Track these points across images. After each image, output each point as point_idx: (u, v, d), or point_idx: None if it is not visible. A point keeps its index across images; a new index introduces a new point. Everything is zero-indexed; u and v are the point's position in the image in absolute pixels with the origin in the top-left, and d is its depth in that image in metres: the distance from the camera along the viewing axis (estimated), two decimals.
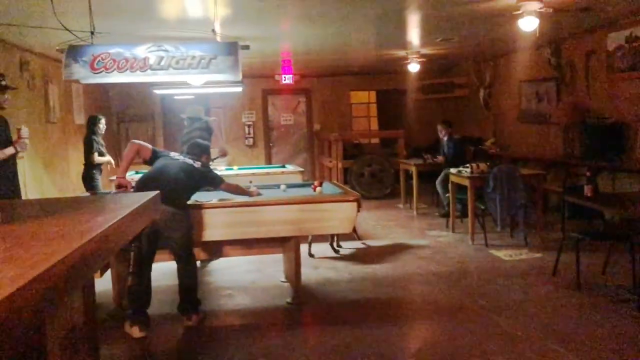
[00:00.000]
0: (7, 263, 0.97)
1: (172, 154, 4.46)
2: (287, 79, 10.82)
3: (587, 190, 4.55)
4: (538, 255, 5.72)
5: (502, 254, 5.81)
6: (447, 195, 7.18)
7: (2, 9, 4.93)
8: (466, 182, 6.31)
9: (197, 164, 4.30)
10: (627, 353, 3.39)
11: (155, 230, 3.94)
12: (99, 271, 4.11)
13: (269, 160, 11.89)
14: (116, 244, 1.38)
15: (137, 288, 3.97)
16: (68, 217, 1.50)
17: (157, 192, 2.02)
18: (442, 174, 7.58)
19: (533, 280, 4.94)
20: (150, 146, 4.45)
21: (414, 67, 9.13)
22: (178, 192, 4.08)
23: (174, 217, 3.99)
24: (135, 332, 3.93)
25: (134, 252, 3.91)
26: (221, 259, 5.79)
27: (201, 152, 4.43)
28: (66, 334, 1.57)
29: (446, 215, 7.55)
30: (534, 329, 3.81)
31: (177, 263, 4.26)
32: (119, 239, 1.38)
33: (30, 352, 1.34)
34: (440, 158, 7.90)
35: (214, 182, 4.42)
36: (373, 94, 12.62)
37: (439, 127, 7.83)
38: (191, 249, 4.26)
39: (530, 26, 5.39)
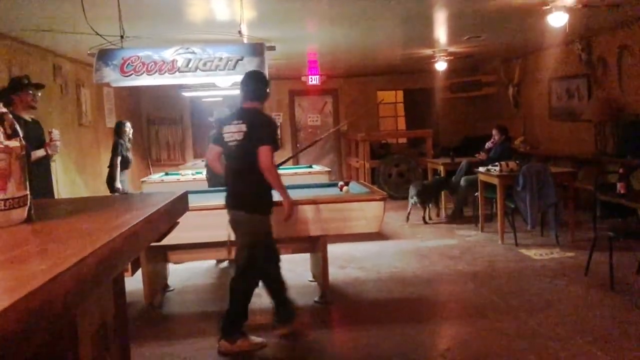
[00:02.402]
0: (40, 256, 1.00)
1: None
2: (314, 80, 10.87)
3: (620, 188, 4.45)
4: (570, 254, 5.61)
5: (533, 253, 5.72)
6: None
7: (36, 17, 5.07)
8: (495, 181, 6.23)
9: None
10: None
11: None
12: (129, 270, 4.18)
13: (296, 161, 11.94)
14: (144, 241, 1.41)
15: (275, 281, 3.86)
16: (98, 215, 1.54)
17: (185, 192, 2.05)
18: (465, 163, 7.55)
19: (564, 279, 4.85)
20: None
21: (441, 66, 9.07)
22: None
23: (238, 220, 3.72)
24: (285, 330, 3.84)
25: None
26: None
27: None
28: (97, 329, 1.61)
29: (454, 215, 7.62)
30: (566, 328, 3.74)
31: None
32: (147, 235, 1.41)
33: (63, 346, 1.38)
34: (482, 155, 7.75)
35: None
36: (400, 93, 12.56)
37: (494, 132, 7.69)
38: (250, 258, 3.75)
39: (559, 22, 5.31)
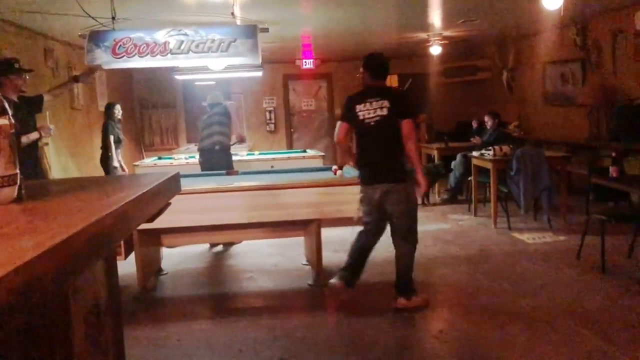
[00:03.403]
0: (28, 234, 0.99)
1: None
2: (308, 64, 10.80)
3: (613, 171, 4.47)
4: (562, 238, 5.65)
5: (526, 237, 5.75)
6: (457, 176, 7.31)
7: None
8: (489, 165, 6.24)
9: None
10: None
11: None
12: (123, 253, 4.17)
13: (290, 146, 11.91)
14: (136, 220, 1.40)
15: (396, 260, 4.07)
16: (89, 194, 1.53)
17: (178, 172, 2.03)
18: (461, 156, 7.51)
19: (557, 263, 4.88)
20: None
21: (435, 50, 9.02)
22: None
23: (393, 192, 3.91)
24: (337, 283, 4.00)
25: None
26: (243, 242, 5.85)
27: None
28: (90, 309, 1.60)
29: (450, 198, 7.60)
30: (558, 311, 3.77)
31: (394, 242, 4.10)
32: (138, 214, 1.39)
33: (56, 325, 1.37)
34: (476, 139, 7.76)
35: None
36: (395, 77, 12.50)
37: (486, 118, 7.69)
38: (412, 226, 4.03)
39: (554, 4, 5.27)
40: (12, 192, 1.39)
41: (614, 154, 4.72)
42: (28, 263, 0.78)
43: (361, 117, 3.92)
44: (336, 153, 12.10)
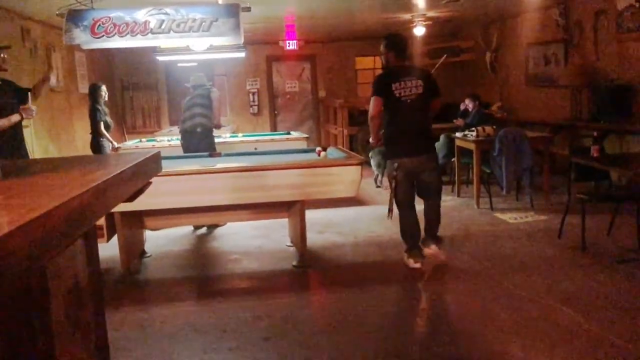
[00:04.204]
0: (4, 210, 0.97)
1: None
2: (292, 45, 10.72)
3: (594, 151, 4.52)
4: (544, 217, 5.71)
5: (508, 217, 5.81)
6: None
7: None
8: (472, 146, 6.27)
9: None
10: (629, 310, 3.41)
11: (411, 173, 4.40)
12: (105, 235, 4.15)
13: (274, 128, 11.86)
14: (115, 198, 1.38)
15: (410, 225, 4.48)
16: (68, 173, 1.50)
17: (159, 151, 2.01)
18: (444, 137, 7.52)
19: (538, 242, 4.94)
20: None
21: (419, 31, 9.00)
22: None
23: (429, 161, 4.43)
24: (411, 263, 4.41)
25: (400, 196, 4.43)
26: (228, 224, 5.84)
27: None
28: (70, 288, 1.59)
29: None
30: (539, 289, 3.83)
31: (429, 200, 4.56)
32: (117, 192, 1.38)
33: (35, 305, 1.36)
34: (459, 121, 7.79)
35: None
36: (379, 59, 12.45)
37: (467, 101, 7.71)
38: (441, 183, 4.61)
39: None
40: None
41: (595, 134, 4.77)
42: (2, 238, 0.77)
43: (397, 95, 4.26)
44: (320, 135, 12.09)
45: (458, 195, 6.90)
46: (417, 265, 4.40)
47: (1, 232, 0.77)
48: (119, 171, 1.39)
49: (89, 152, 7.08)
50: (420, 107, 4.33)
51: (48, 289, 1.38)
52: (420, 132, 4.39)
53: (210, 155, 5.54)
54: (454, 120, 7.88)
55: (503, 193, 6.25)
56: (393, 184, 4.45)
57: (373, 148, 4.86)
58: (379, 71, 12.78)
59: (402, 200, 4.47)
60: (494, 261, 4.50)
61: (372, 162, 7.69)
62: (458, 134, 6.72)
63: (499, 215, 5.93)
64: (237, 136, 7.91)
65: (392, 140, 4.42)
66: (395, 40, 4.46)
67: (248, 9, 4.42)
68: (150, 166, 1.79)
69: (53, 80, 7.60)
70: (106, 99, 6.96)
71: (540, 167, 6.44)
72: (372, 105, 4.33)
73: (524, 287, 3.89)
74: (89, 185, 1.17)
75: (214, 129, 6.13)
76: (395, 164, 4.36)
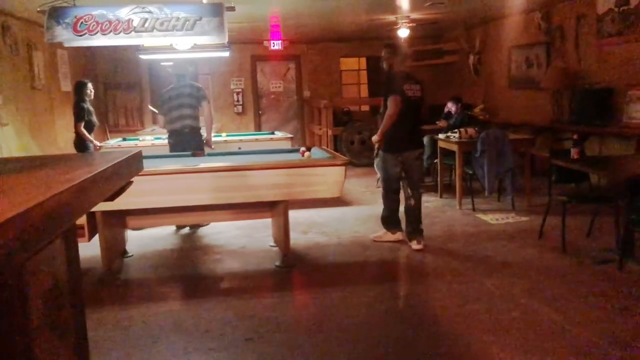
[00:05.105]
0: None
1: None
2: (276, 45, 10.70)
3: (574, 153, 4.58)
4: (525, 219, 5.78)
5: (489, 218, 5.87)
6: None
7: None
8: (454, 147, 6.32)
9: None
10: (608, 310, 3.46)
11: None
12: (87, 235, 4.11)
13: (258, 128, 11.84)
14: (95, 197, 1.37)
15: (414, 209, 4.98)
16: (47, 171, 1.49)
17: (140, 150, 2.00)
18: (428, 138, 7.55)
19: (519, 243, 4.99)
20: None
21: (403, 33, 9.04)
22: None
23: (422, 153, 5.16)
24: (415, 244, 4.90)
25: (407, 182, 4.99)
26: (211, 224, 5.81)
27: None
28: (49, 288, 1.57)
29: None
30: (520, 289, 3.87)
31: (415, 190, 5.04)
32: (97, 191, 1.37)
33: (12, 306, 1.34)
34: (442, 122, 7.85)
35: None
36: (363, 60, 12.51)
37: (449, 104, 7.78)
38: (384, 183, 5.13)
39: None
40: None
41: (575, 137, 4.83)
42: None
43: (408, 95, 4.85)
44: (305, 135, 12.09)
45: (440, 196, 6.95)
46: (401, 237, 5.11)
47: None
48: (99, 170, 1.38)
49: (71, 150, 6.99)
50: (419, 108, 4.98)
51: (26, 289, 1.36)
52: (419, 128, 5.17)
53: (194, 155, 5.51)
54: (437, 122, 7.94)
55: (485, 194, 6.31)
56: (390, 174, 5.00)
57: (378, 147, 5.04)
58: (363, 72, 12.91)
59: (395, 188, 5.04)
60: (476, 262, 4.54)
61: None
62: (441, 136, 6.77)
63: (480, 216, 5.98)
64: (221, 136, 7.88)
65: (399, 136, 4.89)
66: (399, 48, 5.20)
67: (232, 9, 4.40)
68: (132, 165, 1.78)
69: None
70: (92, 96, 6.86)
71: (521, 168, 6.51)
72: (394, 104, 4.78)
73: (505, 287, 3.93)
74: (69, 183, 1.16)
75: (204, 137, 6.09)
76: (399, 157, 4.93)
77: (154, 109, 7.03)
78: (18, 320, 1.31)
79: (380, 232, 5.26)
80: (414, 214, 5.01)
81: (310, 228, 5.77)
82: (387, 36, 10.29)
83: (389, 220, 5.18)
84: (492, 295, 3.82)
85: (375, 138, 5.07)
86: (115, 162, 1.55)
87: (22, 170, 1.56)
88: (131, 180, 1.83)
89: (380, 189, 5.28)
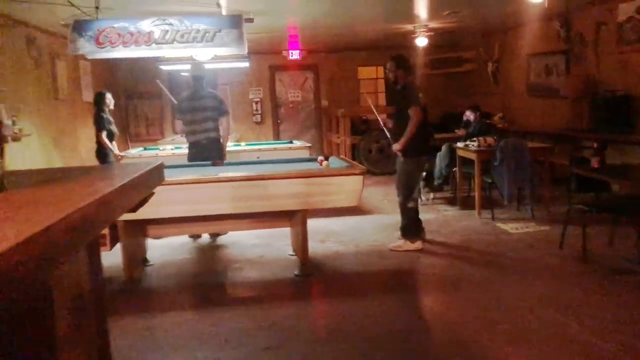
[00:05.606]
0: (10, 221, 1.00)
1: None
2: (294, 55, 10.76)
3: (594, 162, 4.53)
4: (545, 228, 5.72)
5: (509, 227, 5.82)
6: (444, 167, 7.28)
7: None
8: (473, 156, 6.29)
9: None
10: (630, 321, 3.41)
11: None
12: (108, 244, 4.17)
13: (276, 137, 11.90)
14: (118, 209, 1.40)
15: (416, 210, 5.26)
16: (71, 183, 1.53)
17: (162, 162, 2.04)
18: (446, 147, 7.53)
19: (539, 252, 4.95)
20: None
21: (421, 42, 9.05)
22: None
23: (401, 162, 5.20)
24: (419, 244, 5.17)
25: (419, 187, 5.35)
26: (230, 233, 5.85)
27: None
28: (73, 299, 1.61)
29: (435, 189, 7.54)
30: (540, 299, 3.84)
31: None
32: (120, 204, 1.40)
33: (39, 316, 1.38)
34: (461, 131, 7.83)
35: None
36: (381, 69, 12.51)
37: (468, 113, 7.75)
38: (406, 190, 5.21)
39: None
40: None
41: (595, 145, 4.79)
42: (9, 250, 0.79)
43: (422, 103, 5.15)
44: (323, 144, 12.12)
45: (459, 205, 6.91)
46: (421, 245, 5.21)
47: (5, 246, 0.80)
48: (123, 182, 1.41)
49: (93, 159, 7.12)
50: (427, 114, 5.28)
51: (51, 299, 1.40)
52: (433, 133, 5.57)
53: (213, 164, 5.57)
54: (456, 130, 7.91)
55: (504, 203, 6.27)
56: (414, 179, 5.23)
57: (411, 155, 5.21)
58: (381, 81, 12.91)
59: (415, 196, 5.27)
60: (495, 271, 4.52)
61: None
62: (460, 144, 6.75)
63: (500, 225, 5.94)
64: (240, 145, 7.94)
65: (420, 141, 5.13)
66: (404, 60, 5.32)
67: (251, 20, 4.47)
68: (154, 177, 1.81)
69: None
70: (111, 107, 6.97)
71: (540, 177, 6.46)
72: (417, 114, 4.99)
73: (524, 297, 3.90)
74: (94, 196, 1.19)
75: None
76: (421, 162, 5.26)
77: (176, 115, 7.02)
78: (45, 329, 1.35)
79: (400, 242, 5.25)
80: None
81: (327, 237, 5.79)
82: (404, 45, 10.32)
83: (410, 229, 5.23)
84: (512, 304, 3.79)
85: (397, 147, 5.12)
86: (138, 174, 1.59)
87: (48, 182, 1.60)
88: (153, 191, 1.87)
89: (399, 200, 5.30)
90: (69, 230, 1.02)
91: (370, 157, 9.92)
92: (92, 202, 1.16)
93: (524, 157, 6.03)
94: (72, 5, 4.58)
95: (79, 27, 4.26)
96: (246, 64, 6.99)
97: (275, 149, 7.69)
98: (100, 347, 1.84)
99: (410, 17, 7.92)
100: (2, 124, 4.52)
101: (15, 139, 6.08)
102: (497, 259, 4.83)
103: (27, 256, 0.85)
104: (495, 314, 3.64)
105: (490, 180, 6.29)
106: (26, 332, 1.28)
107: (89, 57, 4.42)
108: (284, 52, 10.91)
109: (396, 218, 5.56)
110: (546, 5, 5.78)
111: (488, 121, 8.24)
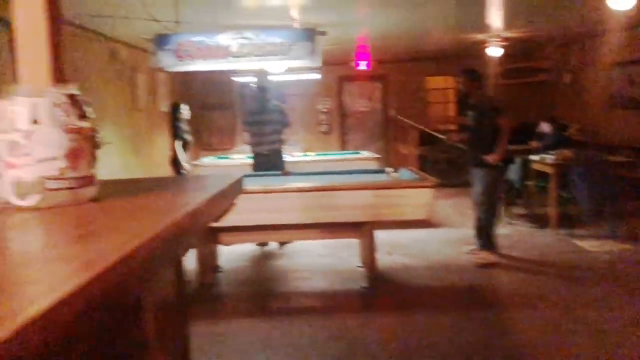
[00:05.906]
0: (114, 232, 1.04)
1: None
2: (363, 66, 10.77)
3: None
4: (626, 246, 5.43)
5: (587, 245, 5.56)
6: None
7: (94, 2, 5.21)
8: (549, 169, 6.07)
9: None
10: None
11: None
12: None
13: (344, 147, 11.93)
14: (206, 220, 1.44)
15: (492, 225, 5.18)
16: (161, 194, 1.59)
17: (242, 175, 2.09)
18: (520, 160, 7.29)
19: (619, 272, 4.70)
20: None
21: (494, 51, 8.84)
22: None
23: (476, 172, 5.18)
24: (492, 258, 5.09)
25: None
26: (297, 243, 5.91)
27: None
28: (159, 303, 1.66)
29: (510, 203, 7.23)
30: (622, 323, 3.64)
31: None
32: (208, 215, 1.44)
33: (131, 326, 1.43)
34: (535, 143, 7.60)
35: None
36: (450, 79, 12.33)
37: (543, 125, 7.56)
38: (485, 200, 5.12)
39: (625, 5, 5.06)
40: (92, 191, 1.46)
41: None
42: (117, 262, 0.82)
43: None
44: (390, 154, 12.05)
45: (535, 220, 6.66)
46: (495, 259, 5.11)
47: (117, 256, 0.83)
48: (213, 193, 1.45)
49: (168, 167, 7.40)
50: None
51: (141, 304, 1.45)
52: None
53: (282, 174, 5.65)
54: (530, 142, 7.66)
55: (584, 219, 6.00)
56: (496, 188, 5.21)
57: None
58: (451, 91, 12.74)
59: (498, 208, 5.41)
60: (571, 290, 4.33)
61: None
62: (535, 157, 6.53)
63: (577, 242, 5.69)
64: (308, 155, 8.01)
65: (488, 152, 5.10)
66: (476, 73, 5.41)
67: (324, 33, 4.51)
68: (236, 188, 1.86)
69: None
70: (188, 117, 7.22)
71: (622, 192, 6.14)
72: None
73: (605, 319, 3.71)
74: (187, 208, 1.23)
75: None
76: (504, 169, 5.36)
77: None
78: (135, 335, 1.40)
79: (482, 254, 5.16)
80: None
81: (394, 249, 5.72)
82: (474, 54, 10.12)
83: (490, 241, 5.19)
84: (588, 326, 3.61)
85: (495, 157, 5.01)
86: (224, 186, 1.63)
87: (137, 193, 1.67)
88: (234, 202, 1.91)
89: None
90: (166, 242, 1.06)
91: (439, 168, 9.76)
92: (186, 213, 1.20)
93: (604, 171, 5.76)
94: (154, 20, 4.78)
95: (160, 41, 4.45)
96: (318, 76, 7.05)
97: (343, 159, 7.70)
98: (182, 352, 1.89)
99: (483, 26, 7.77)
100: (96, 130, 4.74)
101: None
102: (576, 278, 4.62)
103: (132, 267, 0.88)
104: (570, 337, 3.48)
105: (566, 195, 6.04)
106: (120, 342, 1.33)
107: (170, 70, 4.61)
108: (353, 63, 10.93)
109: (464, 232, 5.45)
110: (632, 13, 5.50)
111: (565, 133, 7.95)
